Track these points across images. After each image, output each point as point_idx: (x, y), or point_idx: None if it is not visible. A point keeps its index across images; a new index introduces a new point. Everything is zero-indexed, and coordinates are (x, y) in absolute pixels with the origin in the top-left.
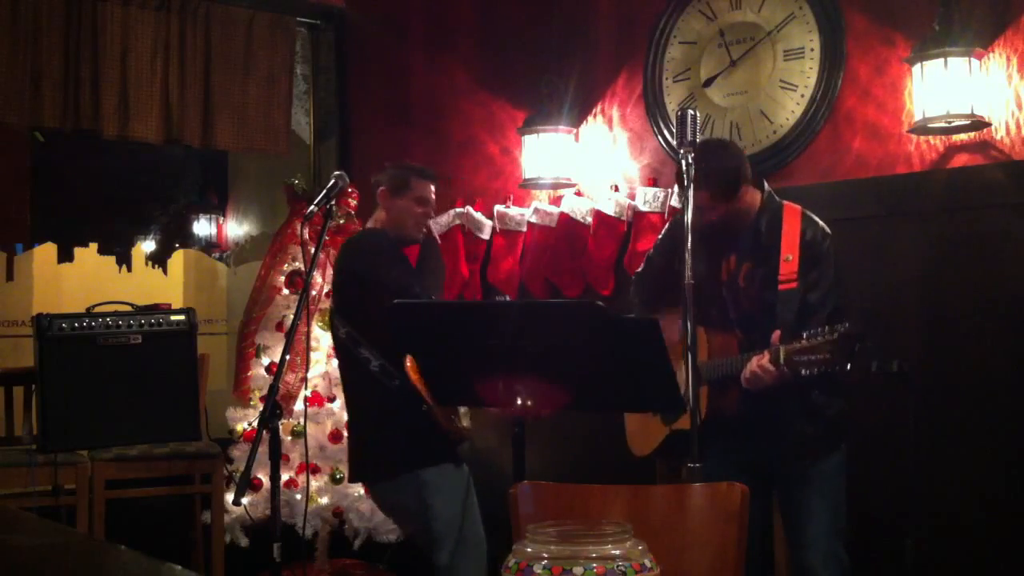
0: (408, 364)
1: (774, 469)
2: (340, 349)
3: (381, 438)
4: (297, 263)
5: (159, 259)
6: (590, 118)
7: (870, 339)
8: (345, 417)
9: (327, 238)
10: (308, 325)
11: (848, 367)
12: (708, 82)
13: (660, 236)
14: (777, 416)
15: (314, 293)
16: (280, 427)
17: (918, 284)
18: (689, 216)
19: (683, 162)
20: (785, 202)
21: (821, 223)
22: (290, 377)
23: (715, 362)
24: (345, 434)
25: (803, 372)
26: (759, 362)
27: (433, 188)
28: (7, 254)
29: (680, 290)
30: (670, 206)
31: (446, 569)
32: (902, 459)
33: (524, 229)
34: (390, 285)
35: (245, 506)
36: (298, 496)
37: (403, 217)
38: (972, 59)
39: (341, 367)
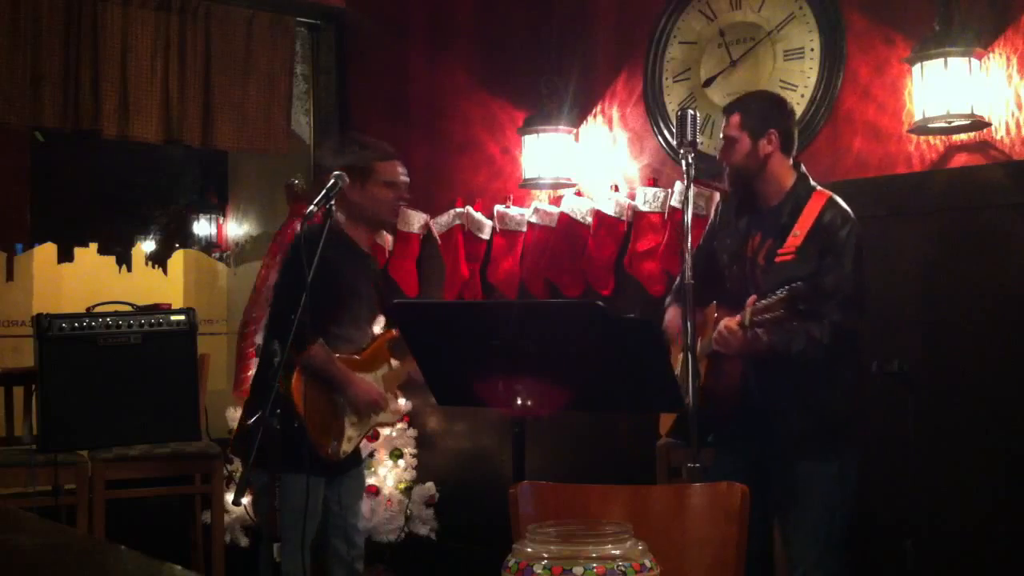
0: (294, 380)
1: (771, 469)
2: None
3: (264, 432)
4: None
5: (159, 259)
6: (590, 118)
7: (813, 302)
8: None
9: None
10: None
11: (795, 324)
12: (708, 82)
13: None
14: (772, 407)
15: None
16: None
17: (918, 284)
18: (689, 216)
19: (683, 162)
20: (818, 187)
21: (847, 211)
22: None
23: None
24: None
25: (760, 332)
26: (727, 323)
27: (400, 167)
28: (7, 254)
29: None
30: (670, 206)
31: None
32: (902, 459)
33: (524, 229)
34: (277, 292)
35: (245, 506)
36: None
37: (375, 205)
38: (972, 59)
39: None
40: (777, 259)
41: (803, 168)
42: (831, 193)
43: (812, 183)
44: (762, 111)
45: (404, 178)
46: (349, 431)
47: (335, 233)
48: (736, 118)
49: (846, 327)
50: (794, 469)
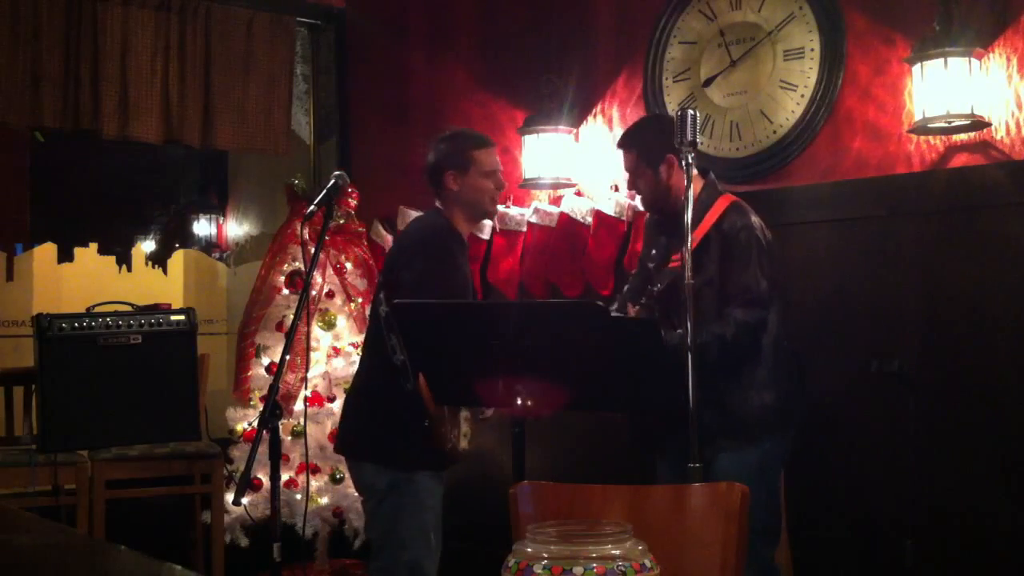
0: (420, 379)
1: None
2: (375, 326)
3: (383, 425)
4: (297, 263)
5: (159, 259)
6: (590, 118)
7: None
8: None
9: (327, 238)
10: (308, 325)
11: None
12: (708, 82)
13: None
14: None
15: (314, 293)
16: (280, 427)
17: (918, 284)
18: (689, 216)
19: (683, 162)
20: (725, 194)
21: (750, 218)
22: (290, 377)
23: None
24: None
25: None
26: None
27: (496, 154)
28: (7, 254)
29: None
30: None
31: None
32: (902, 459)
33: (524, 229)
34: (440, 288)
35: (245, 506)
36: (298, 496)
37: (476, 196)
38: (972, 59)
39: (368, 344)
40: (670, 264)
41: (711, 175)
42: (735, 198)
43: (719, 189)
44: (655, 140)
45: (499, 165)
46: (464, 427)
47: (453, 230)
48: (632, 155)
49: (751, 325)
50: (716, 463)
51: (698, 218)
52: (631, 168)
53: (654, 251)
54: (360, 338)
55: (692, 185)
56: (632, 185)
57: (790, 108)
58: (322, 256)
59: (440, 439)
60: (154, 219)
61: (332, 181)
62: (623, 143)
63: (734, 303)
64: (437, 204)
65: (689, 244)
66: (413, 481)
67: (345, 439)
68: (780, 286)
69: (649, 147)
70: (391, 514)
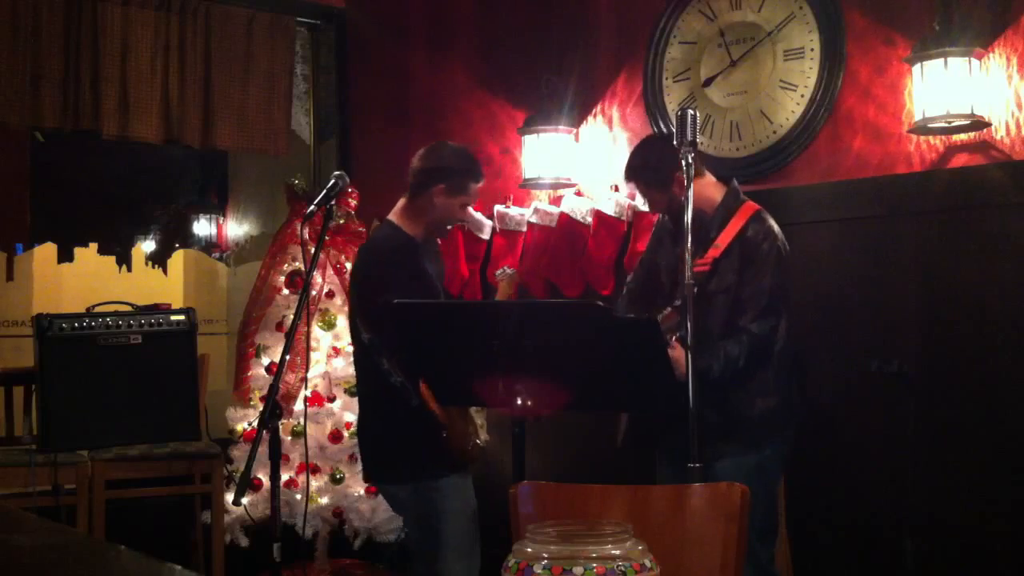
0: (424, 390)
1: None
2: (360, 353)
3: (398, 445)
4: (297, 263)
5: (159, 259)
6: (590, 118)
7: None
8: (345, 417)
9: (327, 238)
10: (308, 325)
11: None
12: (708, 82)
13: (650, 239)
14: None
15: (314, 293)
16: (280, 427)
17: (918, 284)
18: (689, 216)
19: (683, 162)
20: (748, 202)
21: (773, 227)
22: (290, 377)
23: None
24: (345, 434)
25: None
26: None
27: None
28: (7, 254)
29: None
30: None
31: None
32: (902, 459)
33: (524, 229)
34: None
35: (245, 506)
36: (298, 496)
37: (447, 216)
38: (972, 59)
39: (360, 370)
40: (695, 269)
41: (734, 182)
42: (758, 207)
43: (742, 196)
44: (656, 165)
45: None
46: (478, 419)
47: (411, 240)
48: (640, 185)
49: (763, 337)
50: (717, 468)
51: (721, 225)
52: (643, 196)
53: (670, 256)
54: None
55: (698, 187)
56: (652, 209)
57: (790, 108)
58: (322, 256)
59: (460, 445)
60: (154, 219)
61: (332, 181)
62: (627, 177)
63: (749, 313)
64: (393, 214)
65: (688, 246)
66: (438, 488)
67: (366, 466)
68: (789, 294)
69: (654, 173)
70: (425, 525)
